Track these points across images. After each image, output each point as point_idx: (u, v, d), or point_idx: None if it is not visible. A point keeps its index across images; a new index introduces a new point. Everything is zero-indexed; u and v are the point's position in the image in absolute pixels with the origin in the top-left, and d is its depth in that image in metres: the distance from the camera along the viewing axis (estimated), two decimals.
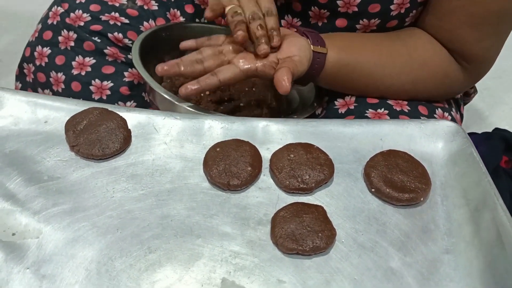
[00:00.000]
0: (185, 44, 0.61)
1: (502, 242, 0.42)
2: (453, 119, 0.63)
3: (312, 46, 0.58)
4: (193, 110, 0.57)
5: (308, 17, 0.65)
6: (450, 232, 0.46)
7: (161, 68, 0.55)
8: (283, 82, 0.51)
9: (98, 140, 0.49)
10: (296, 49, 0.56)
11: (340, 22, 0.63)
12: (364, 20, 0.61)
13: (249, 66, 0.55)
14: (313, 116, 0.65)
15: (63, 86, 0.67)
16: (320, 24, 0.65)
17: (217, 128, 0.53)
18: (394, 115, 0.61)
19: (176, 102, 0.57)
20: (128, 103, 0.70)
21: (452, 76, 0.62)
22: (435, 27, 0.61)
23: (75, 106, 0.53)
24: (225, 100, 0.66)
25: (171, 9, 0.73)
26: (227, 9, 0.55)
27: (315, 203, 0.47)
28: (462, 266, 0.43)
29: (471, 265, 0.43)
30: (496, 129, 0.92)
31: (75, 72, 0.66)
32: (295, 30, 0.61)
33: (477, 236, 0.44)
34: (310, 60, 0.57)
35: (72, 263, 0.41)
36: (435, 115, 0.62)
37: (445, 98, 0.66)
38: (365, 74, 0.61)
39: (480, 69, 0.63)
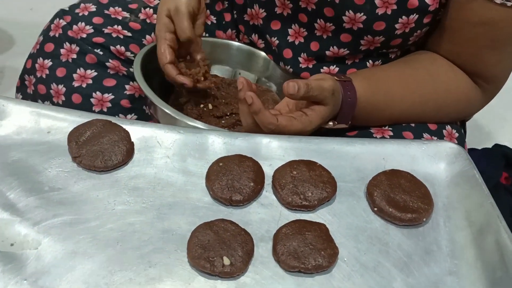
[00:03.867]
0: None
1: (506, 265, 0.42)
2: (461, 136, 0.64)
3: (335, 76, 0.58)
4: (194, 124, 0.57)
5: (314, 29, 0.65)
6: (453, 253, 0.45)
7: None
8: (292, 83, 0.51)
9: (101, 152, 0.49)
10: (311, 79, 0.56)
11: (345, 37, 0.64)
12: (369, 36, 0.62)
13: None
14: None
15: (63, 98, 0.67)
16: (325, 37, 0.65)
17: (220, 143, 0.53)
18: (398, 130, 0.61)
19: (177, 117, 0.57)
20: (129, 116, 0.70)
21: (473, 101, 0.64)
22: (455, 53, 0.62)
23: (78, 118, 0.53)
24: (227, 114, 0.66)
25: None
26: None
27: (317, 221, 0.46)
28: None
29: (474, 287, 0.42)
30: (496, 145, 0.92)
31: (76, 84, 0.66)
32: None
33: (480, 259, 0.44)
34: (333, 88, 0.55)
35: (71, 276, 0.40)
36: (444, 131, 0.63)
37: (462, 120, 0.67)
38: (397, 101, 0.61)
39: (496, 89, 0.65)
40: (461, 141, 0.64)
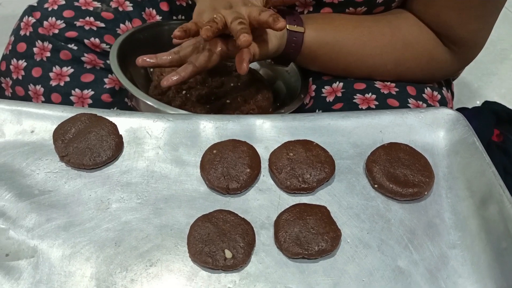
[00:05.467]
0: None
1: (510, 235, 0.41)
2: (443, 98, 0.63)
3: (287, 25, 0.58)
4: (178, 113, 0.54)
5: (294, 5, 0.63)
6: (456, 225, 0.45)
7: (141, 60, 0.56)
8: (242, 64, 0.51)
9: (89, 148, 0.47)
10: (263, 29, 0.56)
11: (326, 11, 0.62)
12: (350, 8, 0.61)
13: (221, 48, 0.55)
14: (301, 106, 0.64)
15: (43, 99, 0.64)
16: (305, 12, 0.63)
17: (212, 128, 0.51)
18: (382, 98, 0.60)
19: (161, 108, 0.55)
20: None
21: (438, 59, 0.62)
22: (420, 12, 0.60)
23: (61, 113, 0.51)
24: (211, 99, 0.64)
25: (146, 8, 0.71)
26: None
27: (317, 203, 0.45)
28: (470, 260, 0.42)
29: (479, 259, 0.42)
30: (486, 103, 0.91)
31: (53, 83, 0.64)
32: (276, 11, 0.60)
33: (483, 229, 0.44)
34: (282, 39, 0.57)
35: (71, 282, 0.39)
36: (423, 95, 0.61)
37: (433, 81, 0.66)
38: (345, 53, 0.61)
39: (468, 53, 0.63)
40: (443, 103, 0.62)
